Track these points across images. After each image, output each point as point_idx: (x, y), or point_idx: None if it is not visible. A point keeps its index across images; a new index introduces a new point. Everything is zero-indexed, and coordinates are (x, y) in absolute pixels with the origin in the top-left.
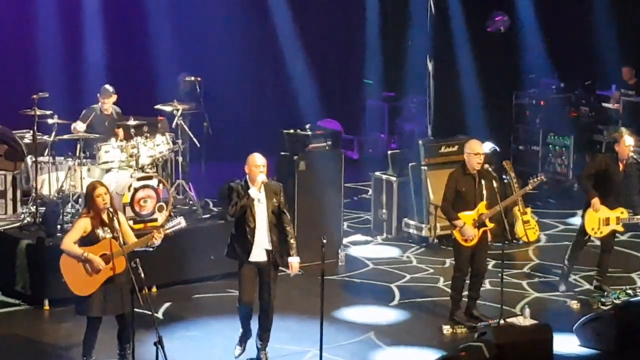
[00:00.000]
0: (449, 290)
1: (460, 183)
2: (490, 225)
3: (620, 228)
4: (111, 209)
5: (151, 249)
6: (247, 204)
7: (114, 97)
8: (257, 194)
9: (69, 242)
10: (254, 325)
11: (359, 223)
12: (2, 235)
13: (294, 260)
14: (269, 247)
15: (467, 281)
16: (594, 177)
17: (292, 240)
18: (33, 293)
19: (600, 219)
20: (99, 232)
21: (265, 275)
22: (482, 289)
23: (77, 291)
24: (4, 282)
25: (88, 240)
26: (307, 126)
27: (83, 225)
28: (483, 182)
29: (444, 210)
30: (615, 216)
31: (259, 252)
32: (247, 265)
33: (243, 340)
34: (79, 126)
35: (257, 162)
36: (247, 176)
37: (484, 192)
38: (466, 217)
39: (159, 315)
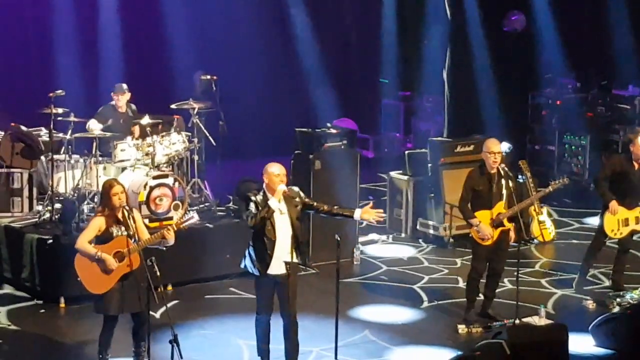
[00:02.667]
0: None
1: (477, 182)
2: (509, 225)
3: (639, 227)
4: (127, 207)
5: (164, 248)
6: (268, 215)
7: (128, 95)
8: (278, 205)
9: (83, 242)
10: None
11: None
12: (12, 231)
13: (359, 210)
14: (288, 259)
15: (483, 280)
16: (610, 178)
17: (337, 209)
18: (48, 290)
19: (619, 220)
20: (113, 230)
21: (284, 289)
22: (503, 288)
23: (92, 289)
24: (17, 277)
25: (102, 238)
26: (329, 125)
27: (98, 224)
28: (503, 182)
29: (460, 208)
30: (634, 216)
31: (278, 264)
32: (264, 278)
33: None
34: (94, 125)
35: (276, 171)
36: (265, 185)
37: (504, 192)
38: (482, 216)
39: (174, 313)
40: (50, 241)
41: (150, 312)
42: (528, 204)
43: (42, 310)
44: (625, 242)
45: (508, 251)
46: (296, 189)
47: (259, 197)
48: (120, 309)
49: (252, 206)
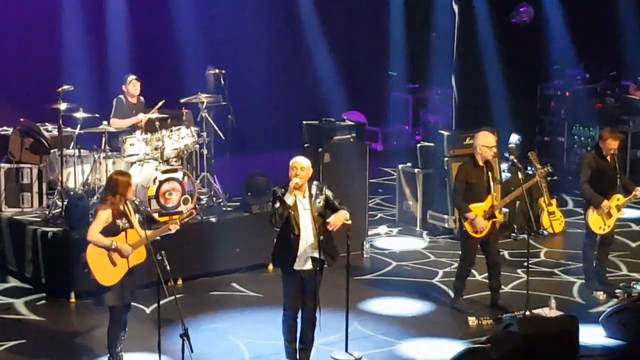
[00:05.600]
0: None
1: (470, 175)
2: (500, 216)
3: (621, 213)
4: (136, 201)
5: (158, 238)
6: (286, 212)
7: (138, 85)
8: (293, 200)
9: (95, 233)
10: None
11: (386, 215)
12: (16, 223)
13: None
14: (316, 255)
15: (487, 273)
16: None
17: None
18: (56, 284)
19: (601, 215)
20: (119, 222)
21: (310, 284)
22: (517, 281)
23: (102, 281)
24: (21, 270)
25: (108, 231)
26: (344, 116)
27: (105, 216)
28: (490, 173)
29: (455, 202)
30: (614, 205)
31: (304, 260)
32: (290, 273)
33: (292, 358)
34: (119, 123)
35: (294, 165)
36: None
37: (491, 183)
38: (477, 209)
39: (184, 307)
40: (52, 234)
41: (142, 307)
42: (517, 195)
43: (42, 302)
44: (607, 236)
45: (498, 241)
46: (320, 184)
47: (281, 192)
48: (120, 300)
49: (277, 202)
